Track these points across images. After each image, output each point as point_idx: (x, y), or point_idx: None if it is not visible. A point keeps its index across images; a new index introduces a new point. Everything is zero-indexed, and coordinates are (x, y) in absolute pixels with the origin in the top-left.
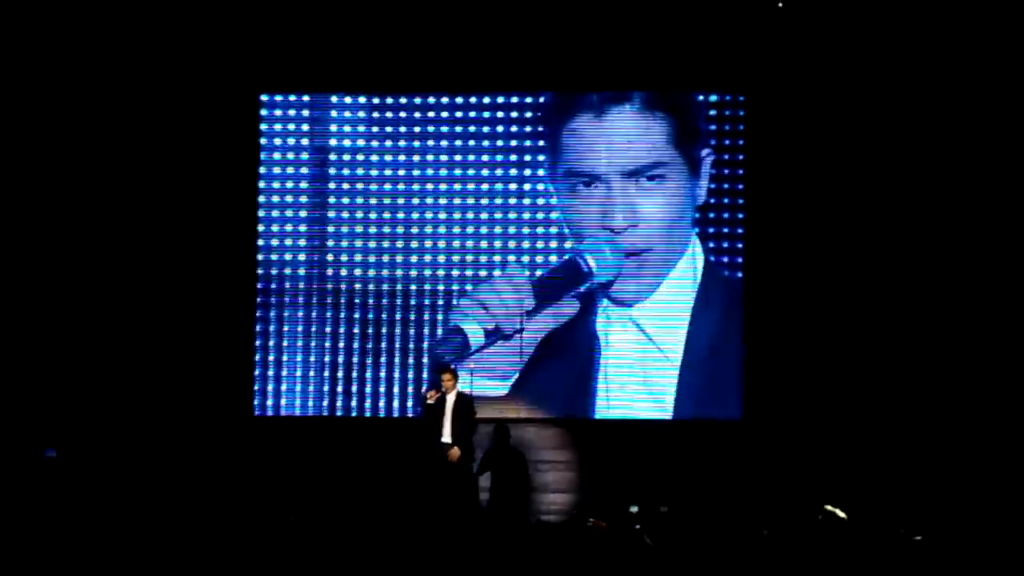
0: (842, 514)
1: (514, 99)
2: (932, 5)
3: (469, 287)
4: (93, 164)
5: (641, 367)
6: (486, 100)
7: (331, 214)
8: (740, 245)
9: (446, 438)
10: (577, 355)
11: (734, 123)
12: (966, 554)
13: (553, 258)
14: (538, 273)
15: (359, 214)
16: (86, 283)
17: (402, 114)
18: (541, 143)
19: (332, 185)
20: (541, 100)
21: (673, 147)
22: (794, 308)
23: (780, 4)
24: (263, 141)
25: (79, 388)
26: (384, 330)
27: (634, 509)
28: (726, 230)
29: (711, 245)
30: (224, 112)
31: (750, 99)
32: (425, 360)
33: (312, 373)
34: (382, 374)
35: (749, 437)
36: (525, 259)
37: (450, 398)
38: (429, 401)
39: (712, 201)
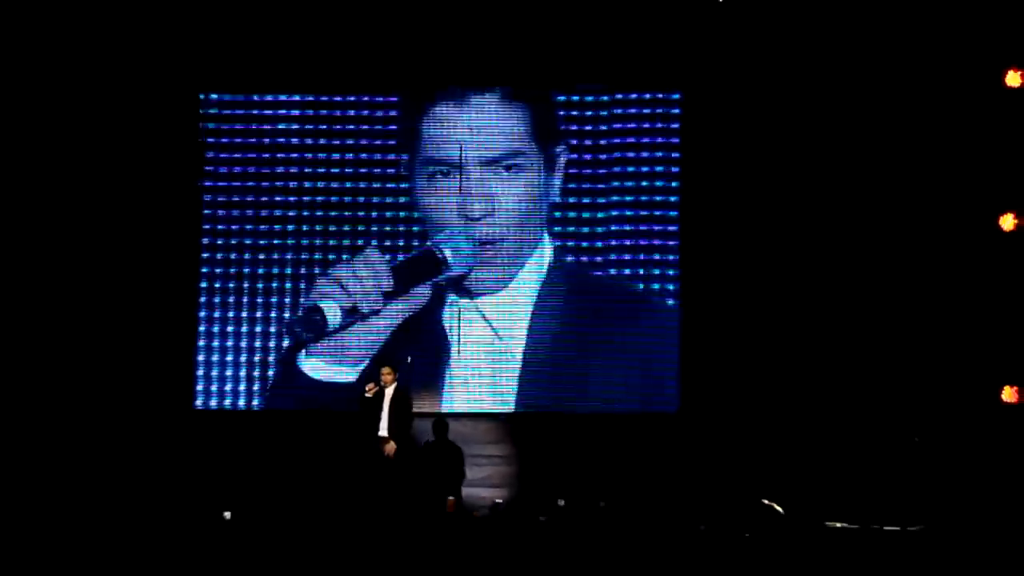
0: (779, 508)
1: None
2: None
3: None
4: (37, 163)
5: (488, 360)
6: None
7: (264, 210)
8: (675, 243)
9: (383, 432)
10: (429, 345)
11: (668, 121)
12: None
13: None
14: (398, 258)
15: (280, 212)
16: (32, 279)
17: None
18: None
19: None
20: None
21: (530, 140)
22: (727, 303)
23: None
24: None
25: (20, 383)
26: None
27: (561, 503)
28: (658, 228)
29: (643, 243)
30: (168, 110)
31: (686, 97)
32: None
33: (247, 366)
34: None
35: (686, 430)
36: (387, 243)
37: (388, 392)
38: (367, 395)
39: (646, 199)
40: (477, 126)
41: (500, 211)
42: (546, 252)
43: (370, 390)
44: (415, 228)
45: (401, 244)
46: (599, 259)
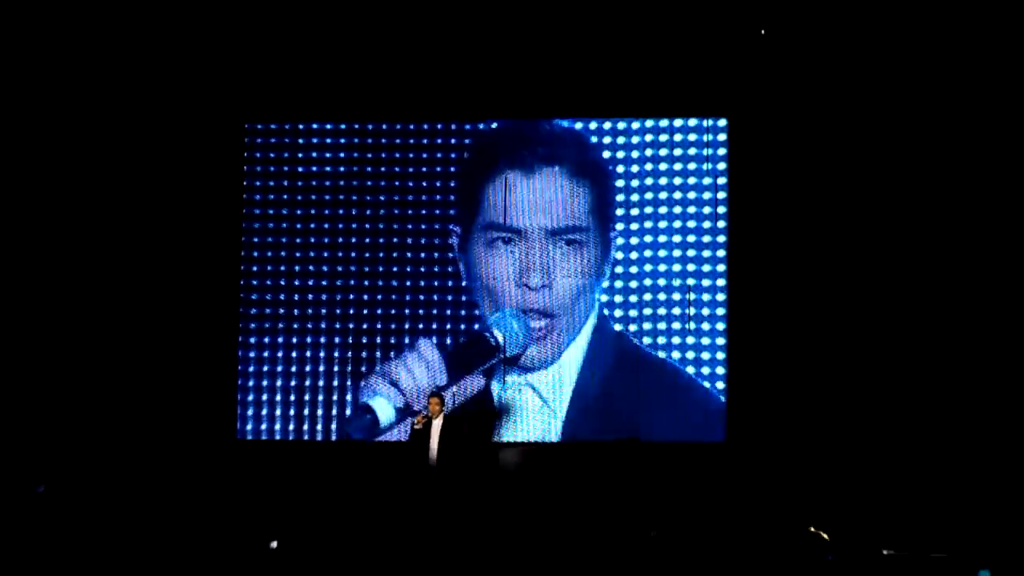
0: (825, 536)
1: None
2: (912, 29)
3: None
4: (79, 192)
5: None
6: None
7: (311, 239)
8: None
9: (432, 462)
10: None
11: (715, 148)
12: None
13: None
14: (448, 346)
15: (326, 239)
16: (74, 307)
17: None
18: (452, 198)
19: (313, 215)
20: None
21: (592, 217)
22: (777, 329)
23: (763, 31)
24: (246, 168)
25: (64, 413)
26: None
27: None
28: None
29: (692, 267)
30: (208, 139)
31: (732, 124)
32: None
33: (293, 396)
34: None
35: (733, 460)
36: (434, 327)
37: (436, 423)
38: (416, 427)
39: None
40: (544, 198)
41: (556, 284)
42: (591, 321)
43: (419, 421)
44: (463, 298)
45: (448, 316)
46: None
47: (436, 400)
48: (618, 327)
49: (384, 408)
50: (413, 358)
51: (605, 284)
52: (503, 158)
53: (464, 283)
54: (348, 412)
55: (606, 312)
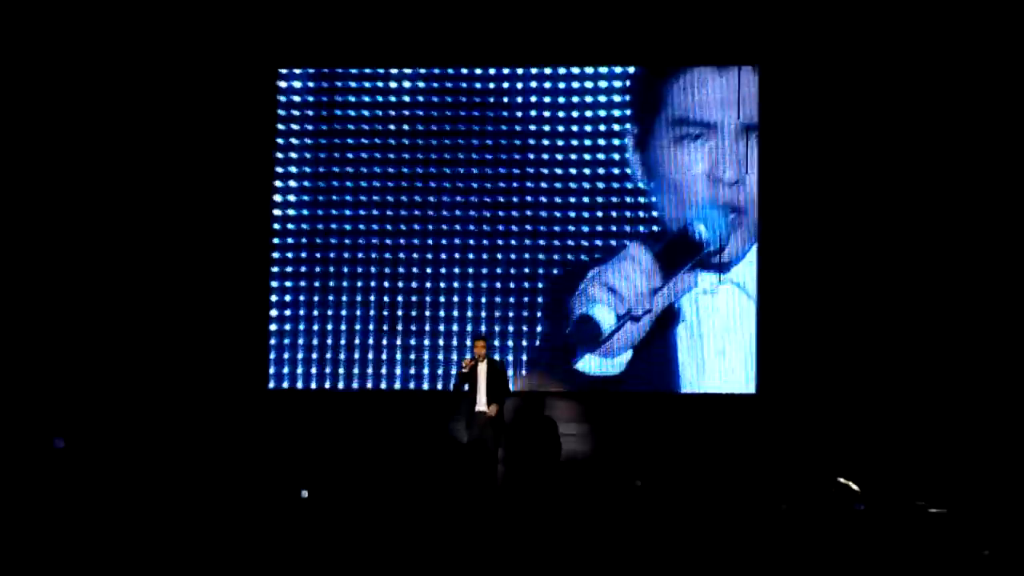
0: (855, 487)
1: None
2: None
3: (593, 271)
4: (114, 143)
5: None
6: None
7: (348, 187)
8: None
9: (480, 406)
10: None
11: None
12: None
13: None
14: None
15: (377, 187)
16: (105, 259)
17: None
18: (628, 112)
19: (349, 157)
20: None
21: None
22: (808, 283)
23: None
24: (280, 113)
25: (96, 366)
26: (400, 302)
27: (638, 483)
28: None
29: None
30: (242, 87)
31: (763, 70)
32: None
33: (328, 345)
34: (398, 344)
35: (763, 411)
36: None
37: (482, 366)
38: (464, 370)
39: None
40: (731, 95)
41: (748, 178)
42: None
43: (467, 364)
44: (644, 199)
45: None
46: None
47: (481, 343)
48: None
49: (605, 315)
50: (628, 263)
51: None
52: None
53: (641, 183)
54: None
55: None
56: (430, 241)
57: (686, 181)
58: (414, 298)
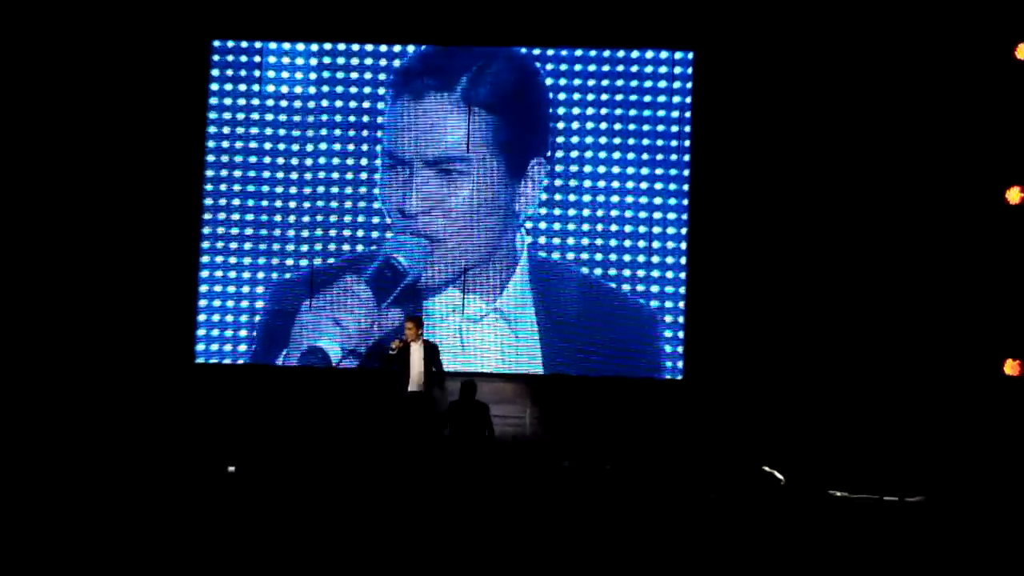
0: (779, 476)
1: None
2: None
3: (305, 306)
4: (46, 113)
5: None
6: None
7: (277, 162)
8: (685, 202)
9: (413, 387)
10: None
11: (680, 82)
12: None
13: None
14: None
15: (294, 164)
16: (33, 233)
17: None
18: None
19: (279, 132)
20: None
21: (488, 146)
22: (735, 269)
23: None
24: (213, 87)
25: (21, 339)
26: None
27: (566, 463)
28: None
29: (657, 201)
30: (173, 58)
31: (698, 57)
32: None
33: (251, 321)
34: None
35: (690, 398)
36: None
37: (415, 347)
38: (392, 351)
39: (656, 157)
40: (427, 126)
41: (437, 210)
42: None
43: (396, 346)
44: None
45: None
46: (571, 241)
47: (412, 324)
48: (556, 255)
49: (331, 347)
50: (344, 293)
51: (529, 212)
52: (409, 83)
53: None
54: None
55: (536, 240)
56: (351, 208)
57: (392, 213)
58: (334, 270)
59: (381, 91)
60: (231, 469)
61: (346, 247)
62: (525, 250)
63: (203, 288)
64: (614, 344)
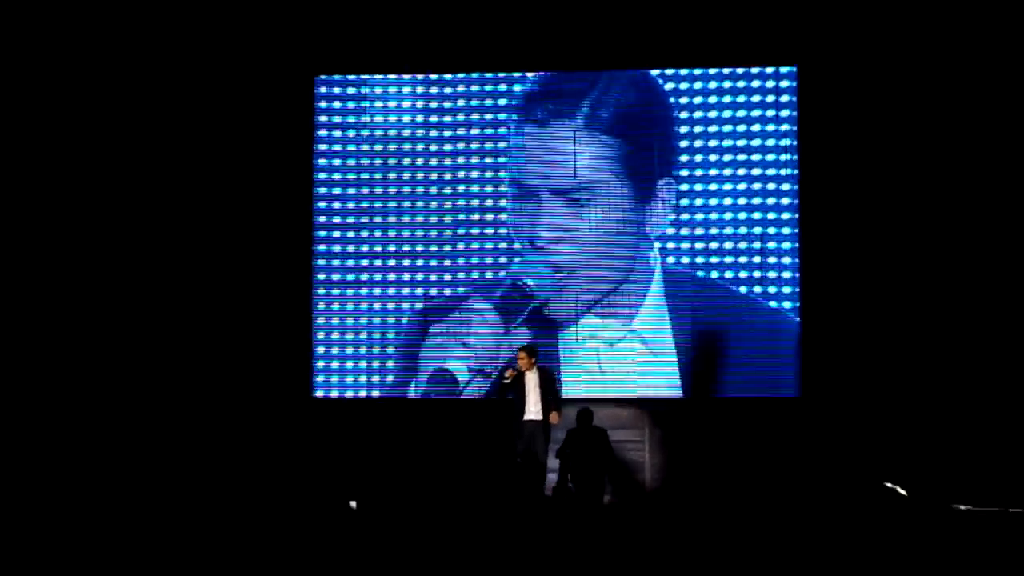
0: (902, 491)
1: (500, 86)
2: None
3: (435, 328)
4: (152, 149)
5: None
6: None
7: (389, 192)
8: (794, 228)
9: (531, 415)
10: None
11: (783, 96)
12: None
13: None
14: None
15: (407, 193)
16: (149, 269)
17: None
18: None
19: (390, 162)
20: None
21: (613, 171)
22: (851, 282)
23: None
24: (322, 119)
25: (139, 371)
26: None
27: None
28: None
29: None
30: (279, 95)
31: (802, 72)
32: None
33: (369, 353)
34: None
35: (807, 415)
36: (488, 274)
37: (530, 376)
38: (506, 380)
39: (760, 172)
40: (552, 155)
41: (567, 241)
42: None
43: (509, 375)
44: (503, 245)
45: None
46: (713, 259)
47: (525, 354)
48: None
49: (460, 368)
50: (471, 315)
51: (668, 231)
52: (532, 111)
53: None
54: (424, 372)
55: (665, 259)
56: (461, 246)
57: (522, 240)
58: (458, 296)
59: (502, 116)
60: (352, 504)
61: (475, 274)
62: (659, 269)
63: (319, 320)
64: (756, 359)
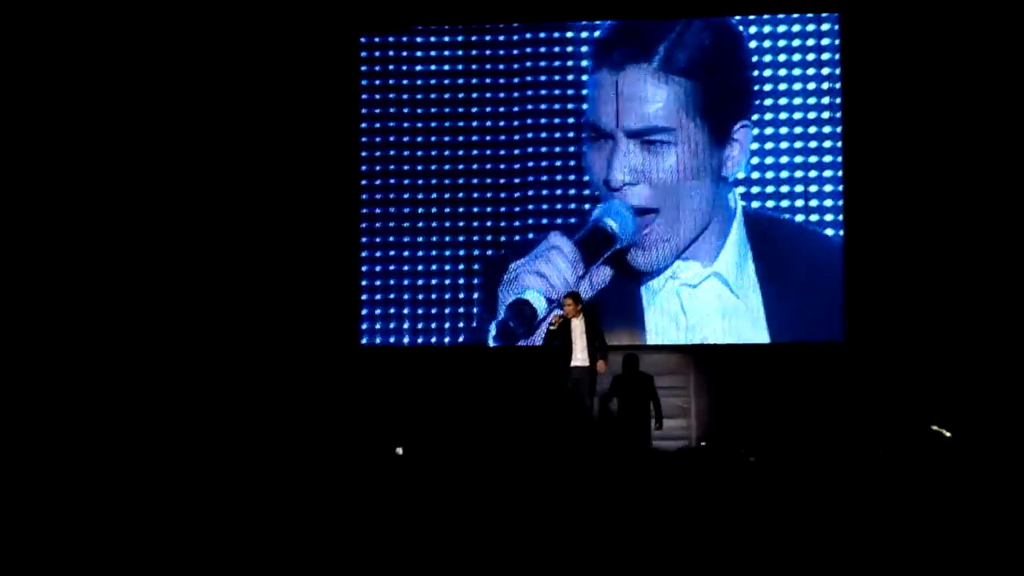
0: (947, 433)
1: (568, 34)
2: None
3: (516, 262)
4: (199, 110)
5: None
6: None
7: (432, 151)
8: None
9: (577, 361)
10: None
11: (826, 47)
12: None
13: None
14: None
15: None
16: (199, 221)
17: (486, 51)
18: (570, 92)
19: (432, 123)
20: (596, 34)
21: (689, 114)
22: (892, 231)
23: None
24: (364, 83)
25: (190, 325)
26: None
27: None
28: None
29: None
30: (324, 54)
31: (844, 20)
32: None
33: (418, 301)
34: (474, 307)
35: (851, 359)
36: (571, 220)
37: (576, 323)
38: (552, 327)
39: (804, 131)
40: (627, 98)
41: (644, 183)
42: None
43: (555, 321)
44: (585, 192)
45: (572, 210)
46: (767, 198)
47: (571, 300)
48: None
49: (537, 300)
50: (554, 254)
51: (740, 175)
52: (602, 58)
53: (586, 178)
54: (490, 313)
55: (749, 203)
56: (516, 194)
57: (595, 184)
58: (490, 253)
59: (573, 63)
60: (399, 451)
61: (545, 220)
62: (739, 212)
63: (368, 269)
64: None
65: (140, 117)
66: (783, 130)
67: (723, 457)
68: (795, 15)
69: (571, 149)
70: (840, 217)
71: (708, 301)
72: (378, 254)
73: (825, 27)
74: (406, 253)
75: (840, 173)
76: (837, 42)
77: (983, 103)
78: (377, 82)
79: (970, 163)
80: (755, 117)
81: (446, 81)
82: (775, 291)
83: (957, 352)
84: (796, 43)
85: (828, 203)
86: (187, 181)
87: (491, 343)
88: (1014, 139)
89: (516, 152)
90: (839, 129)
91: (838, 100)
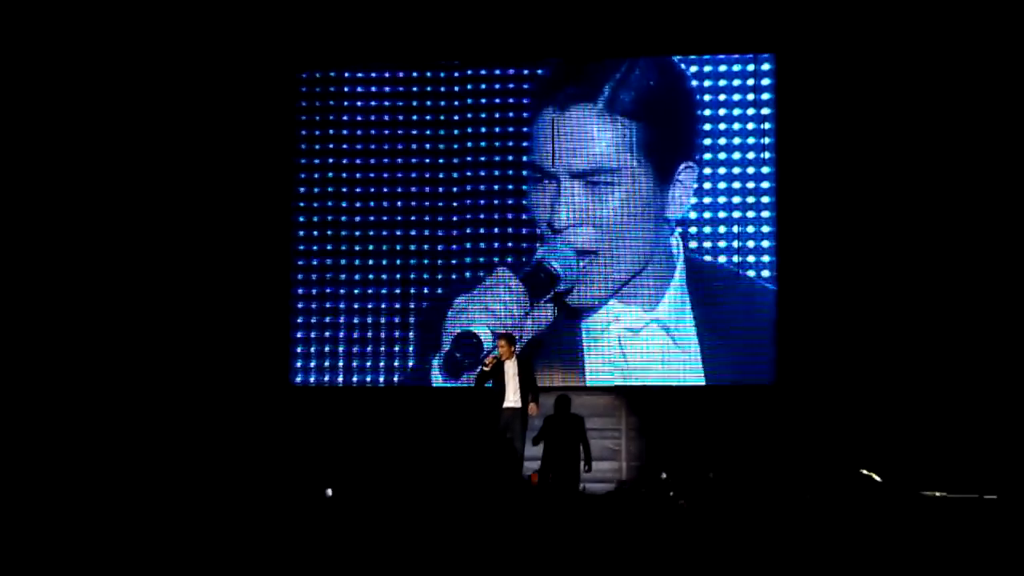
0: (877, 478)
1: (511, 72)
2: None
3: (462, 297)
4: (135, 143)
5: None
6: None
7: (371, 187)
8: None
9: (509, 403)
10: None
11: (765, 88)
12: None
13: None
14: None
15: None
16: (129, 258)
17: (427, 88)
18: (524, 130)
19: (372, 160)
20: (539, 72)
21: (633, 154)
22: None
23: None
24: (302, 118)
25: (119, 361)
26: (411, 304)
27: (663, 475)
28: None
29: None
30: (261, 90)
31: (780, 60)
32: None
33: (348, 342)
34: (409, 346)
35: (780, 402)
36: (509, 259)
37: (509, 364)
38: (486, 368)
39: (743, 171)
40: (572, 139)
41: (588, 224)
42: (675, 255)
43: (489, 362)
44: (525, 231)
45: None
46: (701, 243)
47: (504, 342)
48: (708, 258)
49: (483, 332)
50: (501, 288)
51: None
52: (546, 97)
53: (525, 217)
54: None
55: (688, 244)
56: (441, 233)
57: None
58: (426, 291)
59: (514, 101)
60: (329, 492)
61: (482, 259)
62: (681, 255)
63: (304, 307)
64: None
65: (72, 148)
66: (721, 170)
67: (652, 500)
68: (734, 55)
69: (510, 187)
70: (774, 259)
71: (648, 347)
72: (314, 291)
73: (765, 67)
74: (342, 291)
75: (774, 214)
76: (773, 82)
77: (915, 146)
78: (317, 117)
79: (901, 207)
80: (698, 157)
81: (386, 117)
82: (711, 336)
83: (885, 396)
84: (736, 83)
85: (765, 244)
86: (120, 213)
87: (436, 376)
88: (946, 182)
89: (455, 190)
90: (774, 170)
91: (773, 140)
